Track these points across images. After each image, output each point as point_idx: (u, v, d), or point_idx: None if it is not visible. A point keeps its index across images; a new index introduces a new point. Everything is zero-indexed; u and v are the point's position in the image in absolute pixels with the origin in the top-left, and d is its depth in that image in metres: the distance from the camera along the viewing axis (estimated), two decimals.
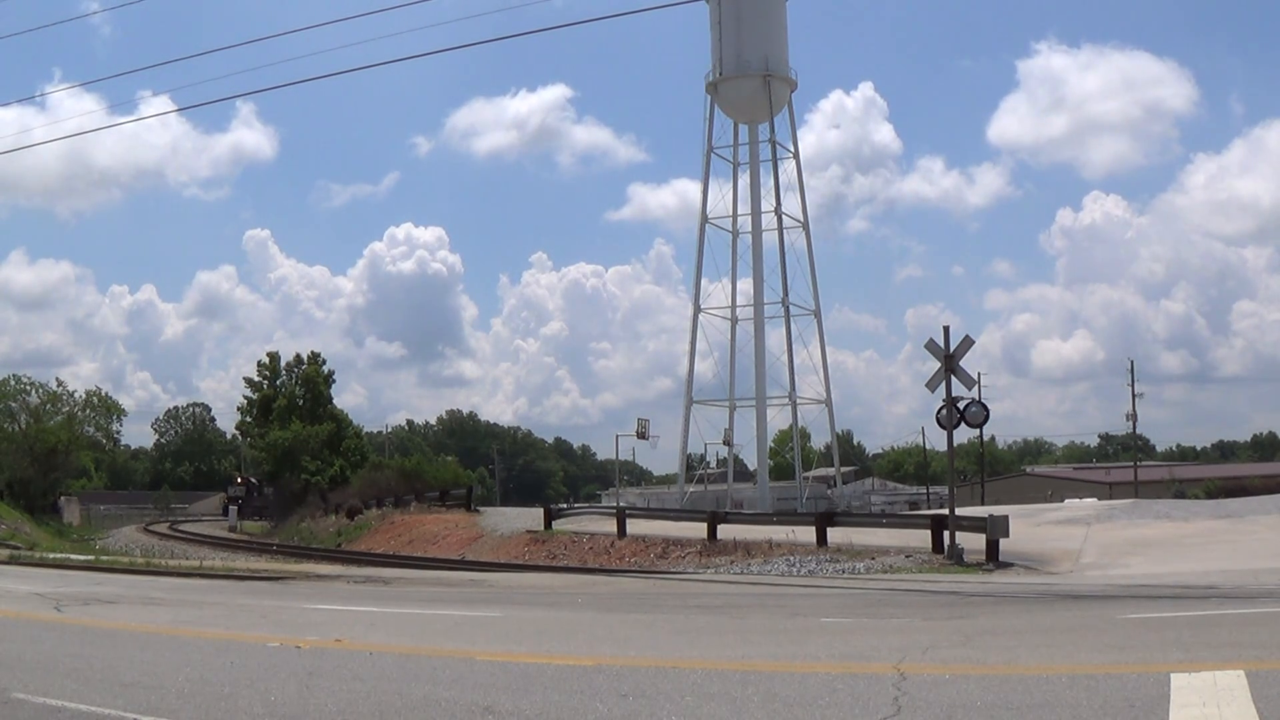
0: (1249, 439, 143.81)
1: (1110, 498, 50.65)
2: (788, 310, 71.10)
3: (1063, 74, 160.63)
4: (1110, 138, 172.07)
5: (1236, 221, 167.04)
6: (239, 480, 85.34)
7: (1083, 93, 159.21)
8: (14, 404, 68.38)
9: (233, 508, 72.35)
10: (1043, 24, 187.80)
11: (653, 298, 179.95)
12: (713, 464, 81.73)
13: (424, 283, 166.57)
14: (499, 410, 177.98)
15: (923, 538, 22.82)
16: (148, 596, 17.44)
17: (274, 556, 35.48)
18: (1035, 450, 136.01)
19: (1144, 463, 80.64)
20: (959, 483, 53.07)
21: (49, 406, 69.24)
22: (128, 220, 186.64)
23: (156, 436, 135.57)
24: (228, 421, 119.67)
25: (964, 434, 37.37)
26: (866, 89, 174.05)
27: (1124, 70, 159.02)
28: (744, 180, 72.43)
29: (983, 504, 50.30)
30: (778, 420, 79.09)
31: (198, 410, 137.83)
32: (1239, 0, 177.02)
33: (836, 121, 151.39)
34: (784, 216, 71.67)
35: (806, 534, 25.38)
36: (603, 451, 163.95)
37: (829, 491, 75.55)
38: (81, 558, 30.34)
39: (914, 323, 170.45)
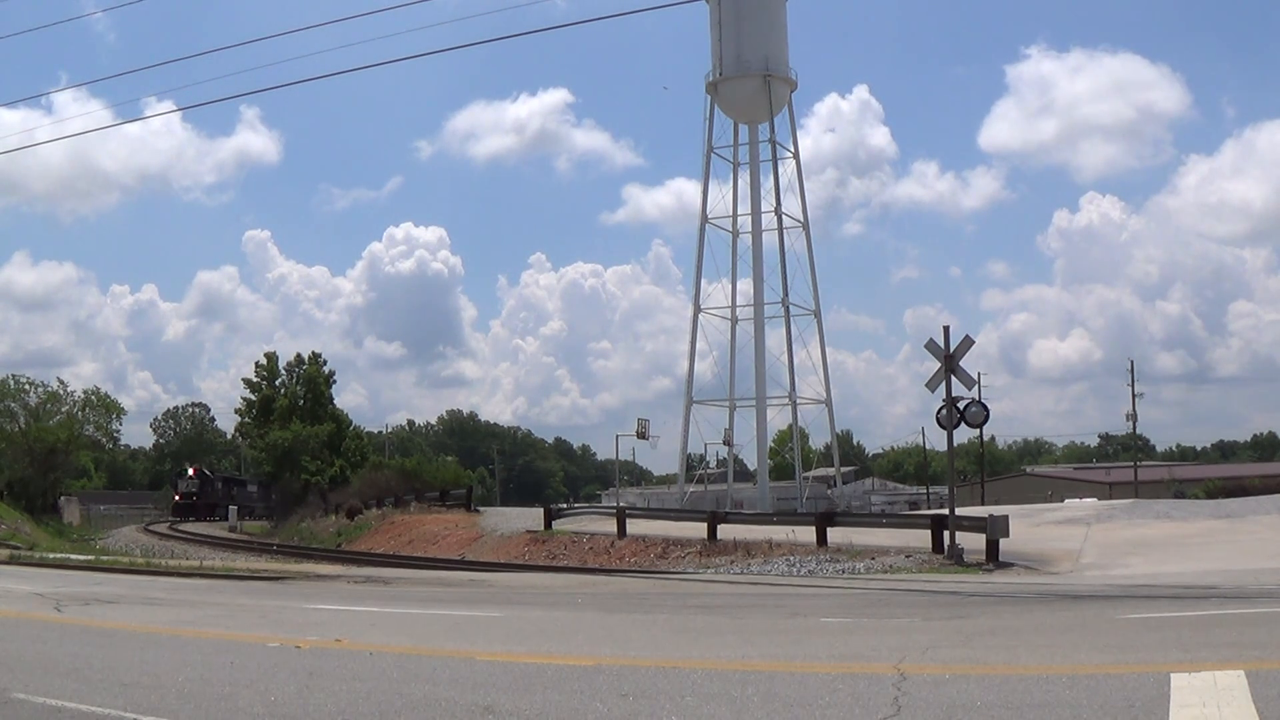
0: (1249, 439, 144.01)
1: (1110, 498, 50.63)
2: (788, 310, 71.19)
3: (1054, 78, 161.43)
4: (1103, 141, 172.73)
5: (1229, 223, 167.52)
6: (191, 473, 78.60)
7: (1074, 96, 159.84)
8: (13, 404, 68.24)
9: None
10: (1033, 29, 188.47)
11: (652, 298, 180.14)
12: (713, 464, 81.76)
13: (424, 283, 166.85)
14: (499, 410, 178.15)
15: (923, 538, 22.81)
16: (148, 596, 17.43)
17: (274, 556, 35.45)
18: (1035, 450, 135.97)
19: (1144, 463, 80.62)
20: (959, 483, 53.07)
21: (49, 406, 69.13)
22: (130, 221, 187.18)
23: (155, 437, 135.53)
24: (227, 422, 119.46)
25: (964, 434, 37.43)
26: (861, 92, 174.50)
27: (1115, 73, 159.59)
28: (744, 180, 72.54)
29: (983, 504, 50.28)
30: (778, 420, 79.22)
31: (197, 410, 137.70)
32: (1229, 2, 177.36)
33: (832, 125, 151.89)
34: (784, 216, 71.77)
35: (806, 534, 25.37)
36: (603, 451, 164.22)
37: (829, 491, 75.53)
38: (81, 558, 30.32)
39: (912, 323, 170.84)
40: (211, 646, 10.70)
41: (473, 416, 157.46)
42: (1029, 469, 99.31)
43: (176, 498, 77.38)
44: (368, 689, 8.11)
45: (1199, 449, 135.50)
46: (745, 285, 73.23)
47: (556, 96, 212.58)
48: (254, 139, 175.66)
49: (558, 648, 10.22)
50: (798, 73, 72.81)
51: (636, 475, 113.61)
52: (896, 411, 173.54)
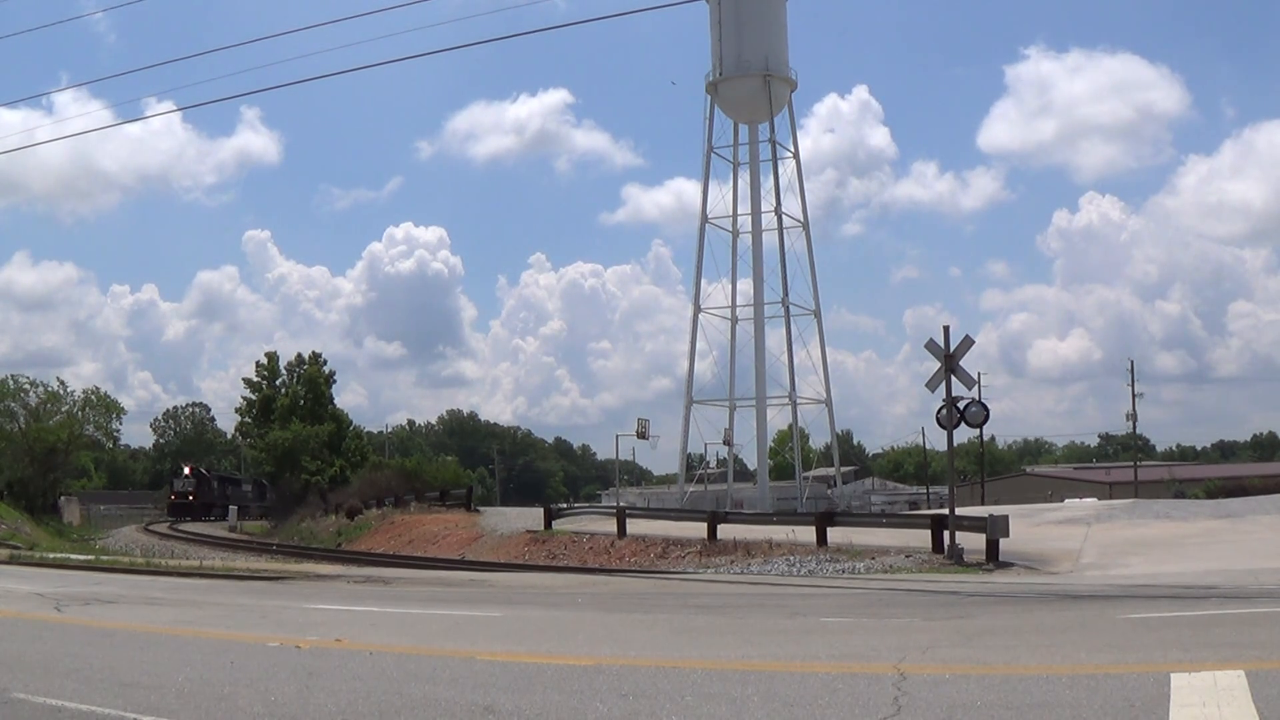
0: (1249, 439, 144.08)
1: (1110, 498, 50.66)
2: (787, 310, 71.20)
3: (1053, 78, 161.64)
4: (1102, 141, 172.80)
5: (1228, 223, 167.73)
6: (187, 472, 77.96)
7: (1073, 97, 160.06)
8: (13, 404, 68.24)
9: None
10: (1032, 29, 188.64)
11: (652, 298, 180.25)
12: (713, 464, 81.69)
13: (424, 283, 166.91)
14: (499, 410, 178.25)
15: (923, 538, 22.81)
16: (148, 596, 17.43)
17: (274, 556, 35.46)
18: (1035, 450, 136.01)
19: (1144, 463, 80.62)
20: (959, 483, 53.09)
21: (49, 406, 69.15)
22: (130, 221, 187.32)
23: (156, 437, 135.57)
24: (227, 422, 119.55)
25: (964, 434, 37.49)
26: (861, 93, 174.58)
27: (1114, 74, 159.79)
28: (744, 180, 72.55)
29: (983, 504, 50.29)
30: (778, 420, 79.24)
31: (197, 410, 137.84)
32: (1228, 3, 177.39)
33: (831, 125, 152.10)
34: (784, 216, 71.79)
35: (806, 534, 25.37)
36: (603, 451, 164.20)
37: (829, 491, 75.54)
38: (81, 558, 30.32)
39: (912, 323, 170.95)
40: (211, 646, 10.70)
41: (473, 416, 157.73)
42: (1029, 469, 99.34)
43: (172, 497, 77.00)
44: (368, 689, 8.11)
45: (1199, 449, 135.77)
46: (745, 285, 73.35)
47: (556, 96, 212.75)
48: (254, 139, 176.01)
49: (558, 648, 10.22)
50: (798, 73, 72.91)
51: (636, 475, 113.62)
52: (896, 411, 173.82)
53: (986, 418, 22.58)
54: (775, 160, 71.71)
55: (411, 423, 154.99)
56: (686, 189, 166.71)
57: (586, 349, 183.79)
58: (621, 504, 44.92)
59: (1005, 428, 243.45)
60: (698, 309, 73.06)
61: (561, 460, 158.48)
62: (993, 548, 20.71)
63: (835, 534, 24.85)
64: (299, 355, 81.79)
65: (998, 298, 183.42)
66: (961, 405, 21.63)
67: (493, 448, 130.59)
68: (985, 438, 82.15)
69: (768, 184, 71.77)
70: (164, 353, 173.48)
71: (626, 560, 27.96)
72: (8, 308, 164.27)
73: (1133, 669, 7.90)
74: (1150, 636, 9.94)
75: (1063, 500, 46.80)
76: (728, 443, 74.27)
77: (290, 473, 73.88)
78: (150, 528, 63.76)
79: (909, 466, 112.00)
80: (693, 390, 73.11)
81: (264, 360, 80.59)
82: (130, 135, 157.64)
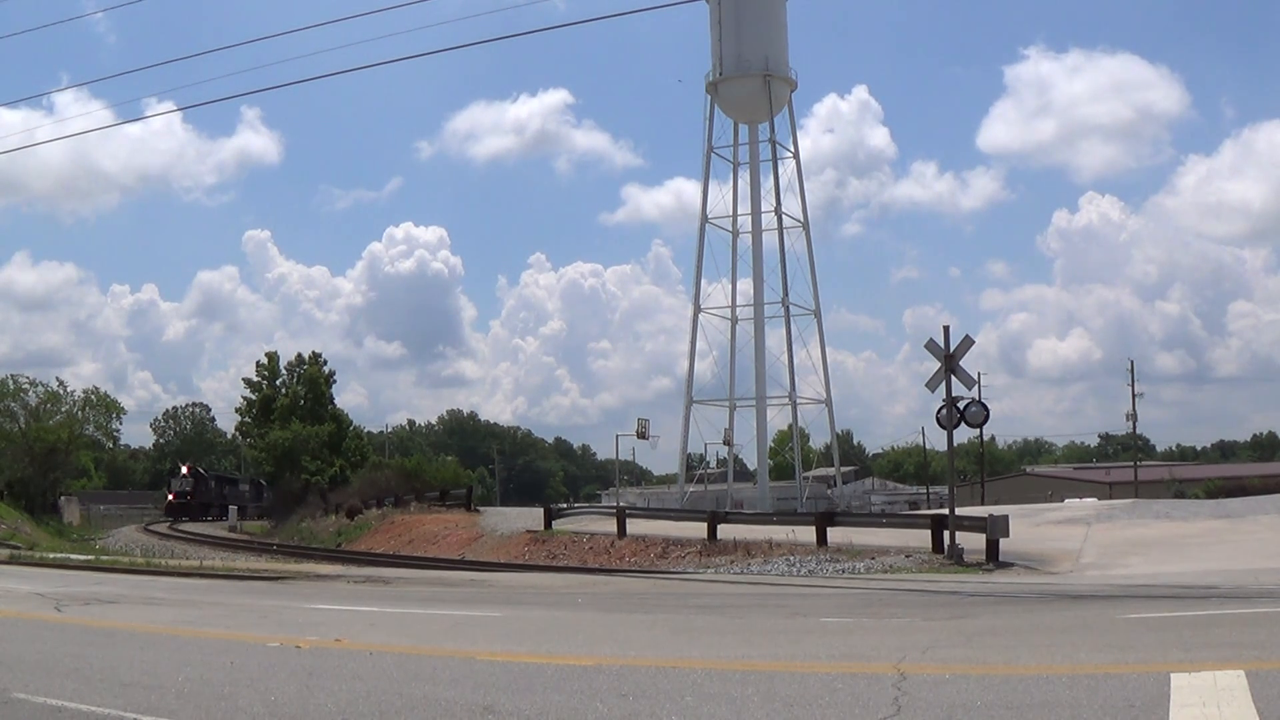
0: (1249, 439, 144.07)
1: (1110, 498, 50.63)
2: (787, 310, 71.18)
3: (1052, 79, 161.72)
4: (1101, 141, 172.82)
5: (1228, 223, 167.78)
6: (185, 471, 78.44)
7: (1073, 97, 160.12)
8: (13, 404, 68.26)
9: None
10: (1031, 30, 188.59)
11: (652, 298, 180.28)
12: (713, 464, 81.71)
13: (424, 283, 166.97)
14: (498, 410, 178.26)
15: (923, 538, 22.81)
16: (148, 596, 17.44)
17: (274, 556, 35.44)
18: (1035, 450, 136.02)
19: (1144, 463, 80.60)
20: (959, 483, 53.07)
21: (49, 406, 69.17)
22: (130, 221, 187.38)
23: (156, 437, 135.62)
24: (227, 422, 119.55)
25: (964, 434, 37.49)
26: (861, 93, 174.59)
27: (1113, 74, 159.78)
28: (744, 180, 72.54)
29: (983, 504, 50.27)
30: (778, 420, 79.21)
31: (197, 410, 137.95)
32: (1228, 3, 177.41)
33: (831, 125, 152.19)
34: (784, 216, 71.78)
35: (806, 534, 25.38)
36: (603, 451, 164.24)
37: (829, 491, 75.53)
38: (81, 557, 30.34)
39: (912, 323, 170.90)
40: (211, 646, 10.71)
41: (473, 416, 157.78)
42: (1029, 469, 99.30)
43: (170, 497, 77.11)
44: (368, 689, 8.11)
45: (1199, 449, 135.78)
46: (745, 285, 73.34)
47: (556, 97, 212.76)
48: (254, 139, 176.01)
49: (558, 648, 10.22)
50: (798, 73, 72.88)
51: (636, 475, 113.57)
52: (896, 411, 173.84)
53: (986, 418, 22.58)
54: (775, 160, 71.80)
55: (411, 423, 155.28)
56: (686, 189, 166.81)
57: (586, 349, 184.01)
58: (621, 504, 44.90)
59: (1005, 428, 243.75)
60: (698, 309, 73.10)
61: (561, 460, 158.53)
62: (993, 548, 20.71)
63: (835, 534, 24.86)
64: (299, 355, 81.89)
65: (998, 298, 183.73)
66: (961, 405, 21.63)
67: (493, 448, 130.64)
68: (985, 438, 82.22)
69: (768, 184, 71.87)
70: (164, 353, 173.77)
71: (626, 560, 27.96)
72: (8, 308, 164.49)
73: (1133, 669, 7.90)
74: (1150, 636, 9.94)
75: (1063, 500, 46.76)
76: (728, 443, 74.30)
77: (290, 473, 73.87)
78: (150, 528, 63.74)
79: (909, 466, 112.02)
80: (693, 390, 73.15)
81: (264, 360, 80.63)
82: (130, 135, 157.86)
